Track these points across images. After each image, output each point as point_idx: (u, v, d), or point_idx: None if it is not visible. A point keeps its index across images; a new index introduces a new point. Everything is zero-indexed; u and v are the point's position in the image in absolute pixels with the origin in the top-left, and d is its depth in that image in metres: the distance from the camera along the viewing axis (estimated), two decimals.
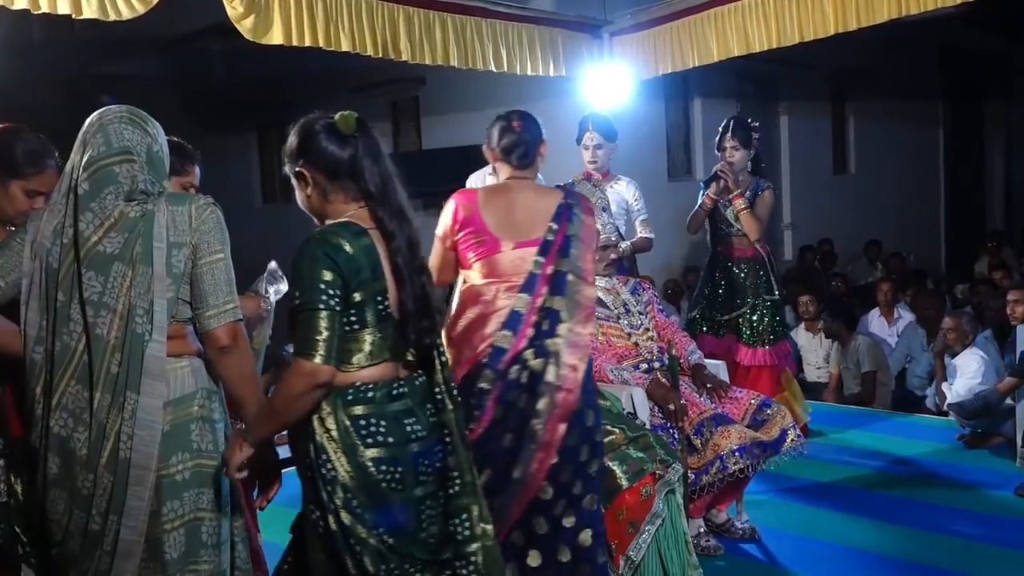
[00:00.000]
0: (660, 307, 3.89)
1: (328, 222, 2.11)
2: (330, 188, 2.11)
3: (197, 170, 2.82)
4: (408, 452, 2.07)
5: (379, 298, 2.05)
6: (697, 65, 5.68)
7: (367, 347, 2.05)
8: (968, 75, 11.61)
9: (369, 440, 2.03)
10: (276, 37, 4.29)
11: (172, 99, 9.95)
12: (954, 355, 5.45)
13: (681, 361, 3.66)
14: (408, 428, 2.08)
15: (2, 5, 3.52)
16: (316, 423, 2.03)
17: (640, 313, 3.73)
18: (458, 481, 2.18)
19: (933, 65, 11.29)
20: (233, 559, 2.34)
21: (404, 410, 2.10)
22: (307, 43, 4.42)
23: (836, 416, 5.68)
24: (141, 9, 3.83)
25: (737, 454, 3.30)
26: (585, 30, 6.08)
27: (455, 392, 2.22)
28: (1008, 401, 4.71)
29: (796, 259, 9.42)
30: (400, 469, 2.05)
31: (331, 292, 1.97)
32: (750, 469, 3.37)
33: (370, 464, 2.02)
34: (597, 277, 3.69)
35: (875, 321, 7.03)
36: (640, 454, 2.97)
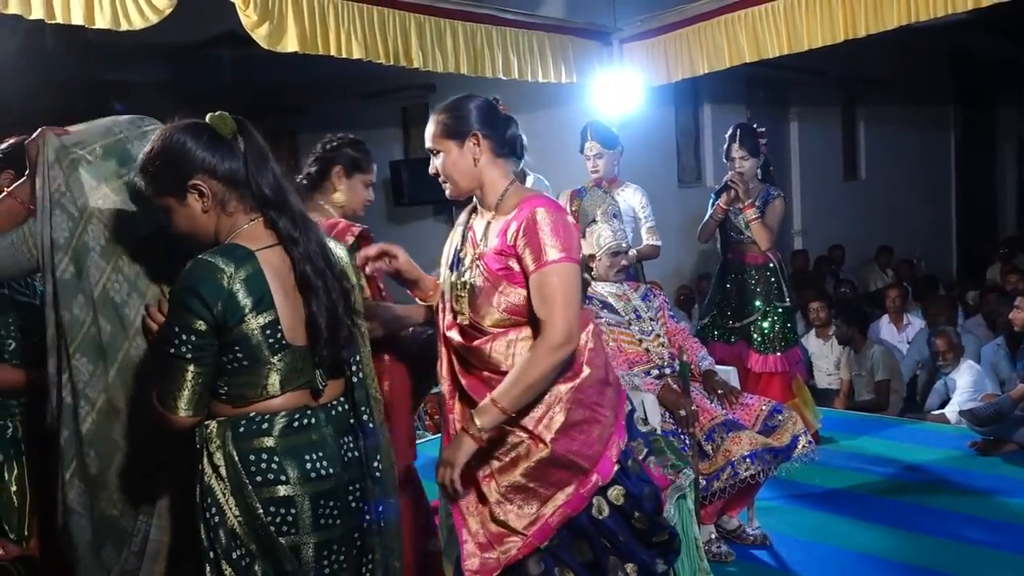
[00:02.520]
0: (671, 313, 3.89)
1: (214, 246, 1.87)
2: (229, 197, 1.87)
3: None
4: (306, 493, 1.85)
5: (268, 331, 1.81)
6: (708, 71, 5.68)
7: (268, 382, 1.84)
8: (980, 80, 11.57)
9: (259, 479, 1.82)
10: (290, 45, 4.32)
11: (182, 106, 9.97)
12: (948, 372, 5.52)
13: (692, 367, 3.66)
14: (309, 465, 1.86)
15: (18, 13, 3.57)
16: (205, 460, 1.84)
17: (651, 319, 3.73)
18: (367, 517, 2.01)
19: (945, 70, 11.26)
20: None
21: (308, 443, 1.87)
22: (320, 51, 4.46)
23: (847, 423, 5.66)
24: (154, 19, 3.88)
25: (748, 460, 3.29)
26: (595, 37, 6.10)
27: (366, 416, 2.02)
28: (1020, 409, 4.70)
29: (802, 265, 9.40)
30: (294, 511, 1.84)
31: (201, 342, 1.77)
32: (761, 475, 3.36)
33: (259, 506, 1.81)
34: (607, 283, 3.71)
35: (884, 328, 7.00)
36: (651, 459, 2.97)
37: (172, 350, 1.77)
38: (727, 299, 4.92)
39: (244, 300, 1.78)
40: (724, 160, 4.88)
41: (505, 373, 2.15)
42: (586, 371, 2.20)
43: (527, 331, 2.19)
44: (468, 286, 2.24)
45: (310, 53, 4.46)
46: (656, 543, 2.30)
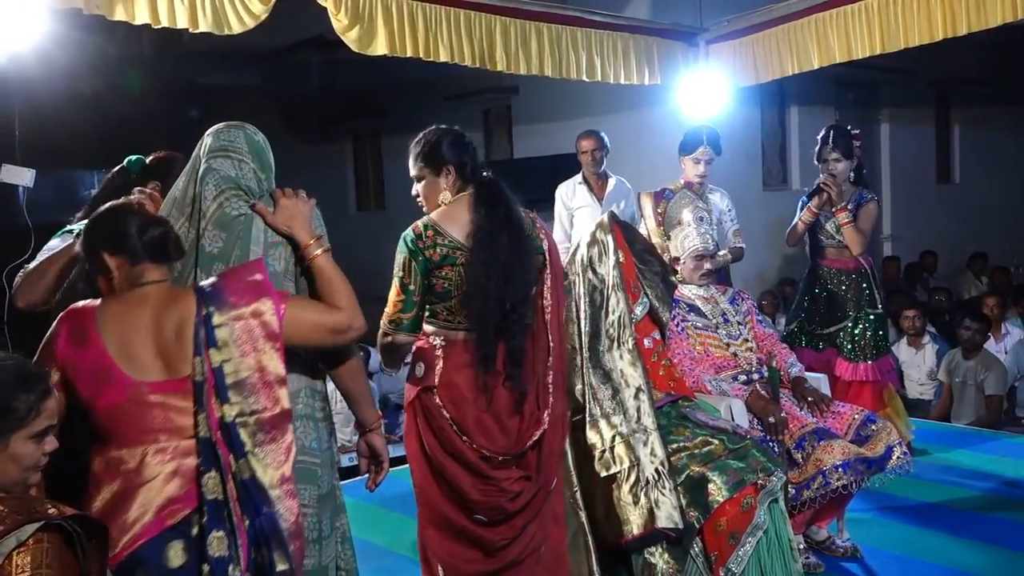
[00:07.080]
0: (759, 318, 3.82)
1: None
2: None
3: None
4: None
5: None
6: (796, 72, 5.58)
7: None
8: None
9: None
10: (380, 48, 4.41)
11: (271, 109, 10.29)
12: None
13: (781, 373, 3.58)
14: None
15: (124, 20, 3.71)
16: None
17: (739, 323, 3.67)
18: None
19: None
20: (337, 559, 2.37)
21: None
22: (408, 54, 4.53)
23: (941, 434, 5.46)
24: (250, 24, 4.01)
25: (840, 470, 3.20)
26: (680, 38, 6.05)
27: None
28: None
29: (893, 271, 9.12)
30: None
31: None
32: (853, 486, 3.25)
33: None
34: (694, 286, 3.67)
35: None
36: (740, 464, 2.91)
37: None
38: (816, 305, 4.79)
39: None
40: (816, 162, 4.76)
41: None
42: None
43: None
44: None
45: (397, 56, 4.53)
46: None
